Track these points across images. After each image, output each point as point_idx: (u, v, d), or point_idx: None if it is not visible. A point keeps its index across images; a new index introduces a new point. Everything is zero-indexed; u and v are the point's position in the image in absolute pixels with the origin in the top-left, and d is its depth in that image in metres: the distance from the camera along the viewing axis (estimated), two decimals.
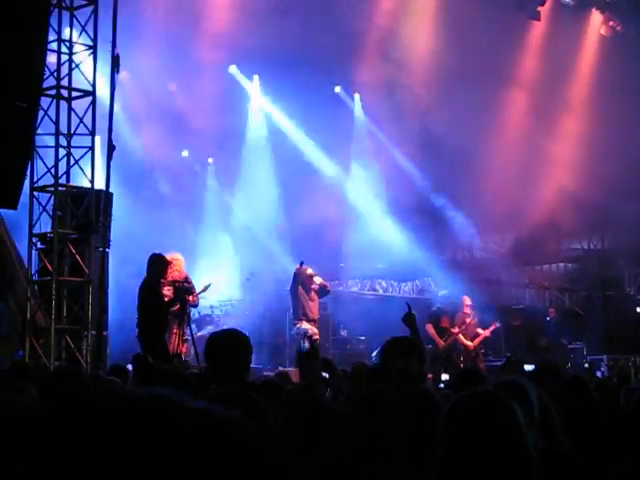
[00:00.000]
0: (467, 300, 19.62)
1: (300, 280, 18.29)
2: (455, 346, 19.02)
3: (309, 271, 18.49)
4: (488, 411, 3.52)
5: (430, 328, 18.61)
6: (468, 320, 19.21)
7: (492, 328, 19.58)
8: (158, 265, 14.24)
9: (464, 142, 21.45)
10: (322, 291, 18.66)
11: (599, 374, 19.17)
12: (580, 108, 22.98)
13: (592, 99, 22.59)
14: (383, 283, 27.07)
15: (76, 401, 1.29)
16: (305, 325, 18.02)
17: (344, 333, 22.48)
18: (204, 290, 15.95)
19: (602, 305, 22.83)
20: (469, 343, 19.17)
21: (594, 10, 23.26)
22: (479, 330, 19.45)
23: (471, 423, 3.48)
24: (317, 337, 18.12)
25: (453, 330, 18.94)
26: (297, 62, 19.85)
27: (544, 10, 22.72)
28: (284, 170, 22.99)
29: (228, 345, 5.89)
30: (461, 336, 19.19)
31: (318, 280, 18.43)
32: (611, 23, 23.20)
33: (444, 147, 21.82)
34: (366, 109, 24.21)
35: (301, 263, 18.46)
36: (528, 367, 16.65)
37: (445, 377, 16.83)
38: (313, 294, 18.38)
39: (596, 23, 23.47)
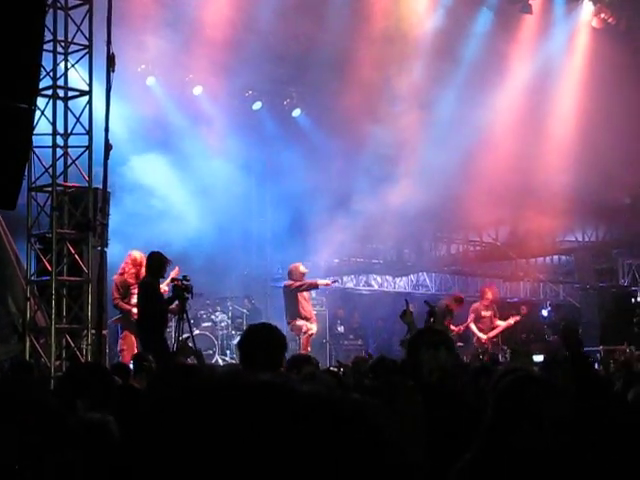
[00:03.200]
0: (488, 293, 19.70)
1: (294, 278, 18.33)
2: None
3: (301, 268, 18.52)
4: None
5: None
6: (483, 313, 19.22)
7: (512, 322, 19.57)
8: (157, 263, 14.28)
9: (458, 139, 21.54)
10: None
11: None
12: (572, 101, 23.03)
13: (583, 92, 22.63)
14: (378, 278, 27.12)
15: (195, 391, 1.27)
16: (299, 322, 18.04)
17: (341, 329, 22.56)
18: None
19: (597, 297, 22.92)
20: (482, 336, 19.16)
21: (586, 1, 23.28)
22: (498, 322, 19.45)
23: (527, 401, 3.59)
24: (312, 333, 18.15)
25: (453, 328, 18.79)
26: None
27: (535, 3, 22.74)
28: None
29: (264, 339, 5.92)
30: (473, 327, 19.18)
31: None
32: (603, 15, 23.24)
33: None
34: None
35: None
36: (537, 358, 16.73)
37: None
38: (306, 292, 18.44)
39: (588, 15, 23.51)
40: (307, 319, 18.10)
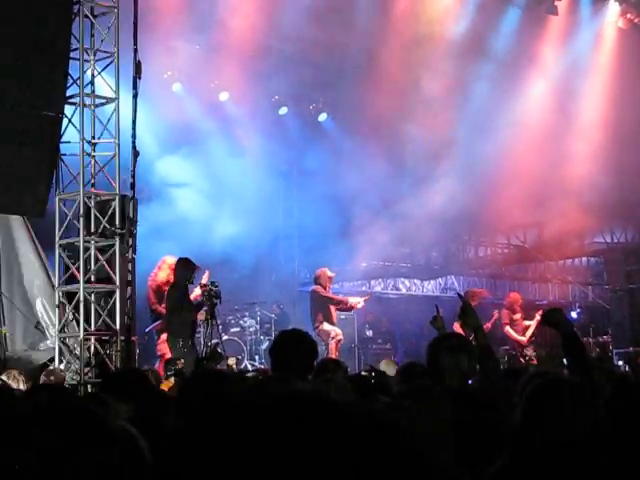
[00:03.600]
0: (513, 296, 19.73)
1: (322, 283, 18.33)
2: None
3: (328, 273, 18.52)
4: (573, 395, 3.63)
5: (457, 327, 18.52)
6: (496, 315, 19.19)
7: (539, 317, 19.52)
8: (185, 269, 14.31)
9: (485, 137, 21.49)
10: None
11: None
12: (600, 101, 22.92)
13: (612, 92, 22.52)
14: (406, 282, 27.08)
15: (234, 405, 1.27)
16: (327, 327, 18.04)
17: (369, 333, 22.52)
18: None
19: (627, 298, 22.79)
20: (522, 338, 19.14)
21: (612, 1, 23.16)
22: (526, 322, 19.41)
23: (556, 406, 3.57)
24: (341, 338, 18.14)
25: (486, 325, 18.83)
26: None
27: (561, 4, 22.66)
28: None
29: (295, 345, 5.94)
30: (511, 331, 19.15)
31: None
32: (629, 15, 23.13)
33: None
34: None
35: None
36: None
37: None
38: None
39: (614, 16, 23.39)
40: (334, 324, 18.10)
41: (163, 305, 15.65)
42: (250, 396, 1.30)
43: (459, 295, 8.19)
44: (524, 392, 3.94)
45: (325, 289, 18.36)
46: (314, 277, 18.81)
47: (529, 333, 19.24)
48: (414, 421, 4.21)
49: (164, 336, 15.36)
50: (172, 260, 15.65)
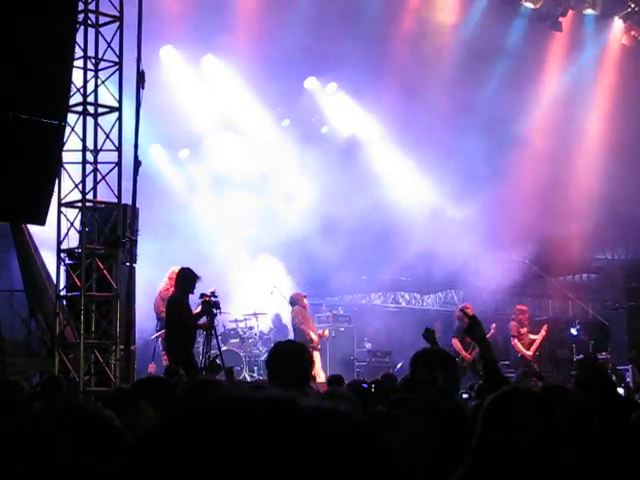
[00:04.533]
0: (523, 310, 19.76)
1: (300, 304, 18.61)
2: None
3: (305, 300, 18.88)
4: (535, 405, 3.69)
5: (456, 342, 18.52)
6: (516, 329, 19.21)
7: (544, 332, 19.58)
8: (186, 279, 14.31)
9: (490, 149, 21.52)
10: None
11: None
12: (603, 116, 22.95)
13: (615, 107, 22.56)
14: (406, 296, 27.07)
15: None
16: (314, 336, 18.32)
17: (368, 346, 22.51)
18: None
19: (626, 315, 22.76)
20: (528, 353, 19.18)
21: (616, 19, 23.23)
22: (531, 336, 19.44)
23: (514, 415, 3.64)
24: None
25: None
26: None
27: (565, 21, 22.72)
28: None
29: (290, 357, 5.95)
30: (519, 344, 19.19)
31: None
32: (633, 33, 23.20)
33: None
34: None
35: None
36: None
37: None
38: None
39: (618, 33, 23.46)
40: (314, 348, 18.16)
41: None
42: (219, 401, 1.31)
43: (464, 313, 8.23)
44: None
45: (305, 308, 18.73)
46: (290, 300, 18.98)
47: (534, 349, 19.27)
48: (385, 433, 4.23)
49: None
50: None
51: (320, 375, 17.24)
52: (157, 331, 17.03)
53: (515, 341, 19.20)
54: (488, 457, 3.62)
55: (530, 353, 19.15)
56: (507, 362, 19.35)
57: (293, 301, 18.96)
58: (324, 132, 24.13)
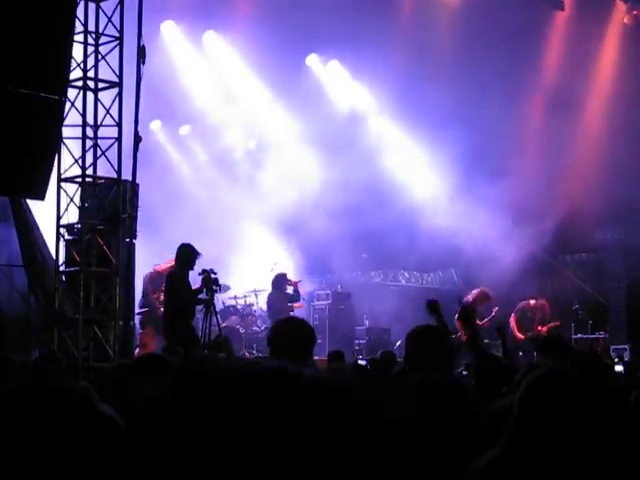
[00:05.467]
0: (543, 304, 19.92)
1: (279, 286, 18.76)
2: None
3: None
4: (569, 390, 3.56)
5: (458, 324, 18.53)
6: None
7: (552, 325, 19.74)
8: (186, 255, 14.30)
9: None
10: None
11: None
12: (603, 98, 22.91)
13: (615, 89, 22.51)
14: (406, 274, 27.06)
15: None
16: None
17: (367, 323, 22.52)
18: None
19: (625, 295, 22.76)
20: (520, 336, 19.28)
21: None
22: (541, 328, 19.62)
23: (551, 400, 3.52)
24: None
25: (479, 322, 18.90)
26: None
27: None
28: None
29: (291, 333, 5.94)
30: (513, 323, 19.33)
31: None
32: (635, 12, 23.13)
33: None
34: None
35: None
36: None
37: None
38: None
39: (620, 12, 23.39)
40: None
41: (156, 295, 15.72)
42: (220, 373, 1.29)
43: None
44: (520, 384, 3.91)
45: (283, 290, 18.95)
46: (272, 282, 19.07)
47: (530, 334, 19.41)
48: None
49: (148, 329, 15.42)
50: None
51: None
52: (140, 308, 16.98)
53: (511, 319, 19.33)
54: (526, 443, 3.51)
55: (521, 336, 19.26)
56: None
57: (273, 283, 19.03)
58: (325, 107, 24.05)
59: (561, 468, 3.42)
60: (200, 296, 14.53)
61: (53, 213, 13.99)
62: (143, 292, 16.78)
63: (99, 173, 14.14)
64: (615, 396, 6.10)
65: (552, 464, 3.42)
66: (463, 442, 4.11)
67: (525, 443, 3.52)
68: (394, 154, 24.27)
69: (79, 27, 13.77)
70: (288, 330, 6.04)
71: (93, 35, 13.97)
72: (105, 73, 14.18)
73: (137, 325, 16.56)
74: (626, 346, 20.65)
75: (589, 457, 3.45)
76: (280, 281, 18.94)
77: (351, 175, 22.26)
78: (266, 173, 23.49)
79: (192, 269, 14.45)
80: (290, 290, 19.11)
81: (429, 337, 6.09)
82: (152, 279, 16.44)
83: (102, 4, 14.05)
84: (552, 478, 3.43)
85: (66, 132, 13.89)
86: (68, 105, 13.67)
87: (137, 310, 16.63)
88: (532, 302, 20.00)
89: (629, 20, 23.32)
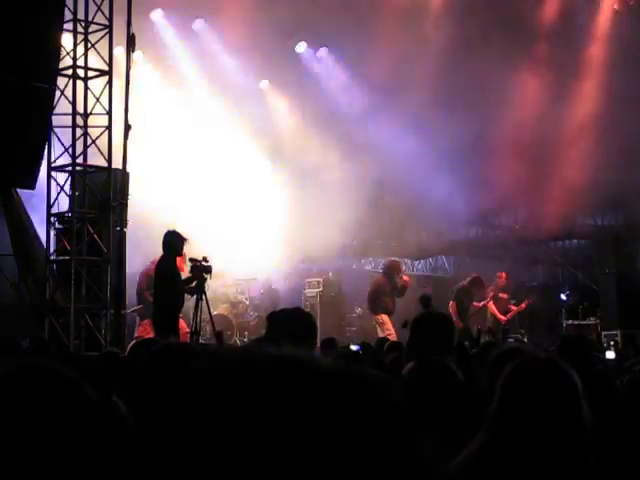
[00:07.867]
0: (503, 277, 19.99)
1: None
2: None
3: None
4: (551, 375, 3.54)
5: (452, 306, 18.62)
6: (491, 294, 19.41)
7: (524, 305, 19.88)
8: (172, 241, 14.19)
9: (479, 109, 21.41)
10: None
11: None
12: (593, 84, 22.91)
13: (605, 73, 22.51)
14: None
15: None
16: None
17: (359, 311, 22.52)
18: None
19: (615, 281, 22.81)
20: (502, 317, 19.45)
21: None
22: (512, 306, 19.75)
23: (534, 386, 3.50)
24: None
25: (476, 304, 19.07)
26: None
27: None
28: None
29: (290, 322, 5.92)
30: (494, 307, 19.45)
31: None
32: None
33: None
34: None
35: None
36: None
37: None
38: None
39: None
40: None
41: (150, 292, 15.68)
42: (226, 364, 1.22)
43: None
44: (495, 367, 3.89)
45: None
46: None
47: (509, 315, 19.61)
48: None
49: (146, 321, 15.37)
50: None
51: None
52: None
53: (490, 303, 19.45)
54: (511, 429, 3.49)
55: (504, 317, 19.44)
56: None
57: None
58: (315, 95, 23.97)
59: (546, 451, 3.43)
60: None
61: (43, 202, 13.97)
62: (138, 290, 16.55)
63: (89, 162, 14.11)
64: (603, 380, 6.14)
65: (537, 447, 3.43)
66: (464, 427, 4.11)
67: (509, 427, 3.51)
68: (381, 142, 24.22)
69: (68, 15, 13.73)
70: (288, 321, 6.01)
71: (82, 23, 13.93)
72: (95, 61, 14.15)
73: (137, 318, 16.53)
74: (617, 332, 20.72)
75: (574, 440, 3.46)
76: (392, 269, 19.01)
77: (345, 162, 22.27)
78: (259, 160, 23.44)
79: (180, 255, 14.29)
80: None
81: (435, 323, 6.10)
82: (148, 275, 16.24)
83: None
84: (538, 461, 3.44)
85: (56, 121, 13.87)
86: (58, 94, 13.66)
87: (133, 308, 16.57)
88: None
89: (619, 5, 23.31)
